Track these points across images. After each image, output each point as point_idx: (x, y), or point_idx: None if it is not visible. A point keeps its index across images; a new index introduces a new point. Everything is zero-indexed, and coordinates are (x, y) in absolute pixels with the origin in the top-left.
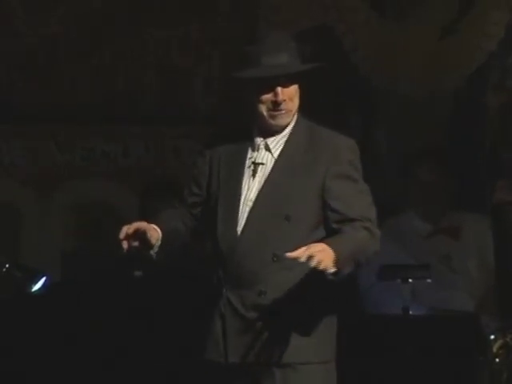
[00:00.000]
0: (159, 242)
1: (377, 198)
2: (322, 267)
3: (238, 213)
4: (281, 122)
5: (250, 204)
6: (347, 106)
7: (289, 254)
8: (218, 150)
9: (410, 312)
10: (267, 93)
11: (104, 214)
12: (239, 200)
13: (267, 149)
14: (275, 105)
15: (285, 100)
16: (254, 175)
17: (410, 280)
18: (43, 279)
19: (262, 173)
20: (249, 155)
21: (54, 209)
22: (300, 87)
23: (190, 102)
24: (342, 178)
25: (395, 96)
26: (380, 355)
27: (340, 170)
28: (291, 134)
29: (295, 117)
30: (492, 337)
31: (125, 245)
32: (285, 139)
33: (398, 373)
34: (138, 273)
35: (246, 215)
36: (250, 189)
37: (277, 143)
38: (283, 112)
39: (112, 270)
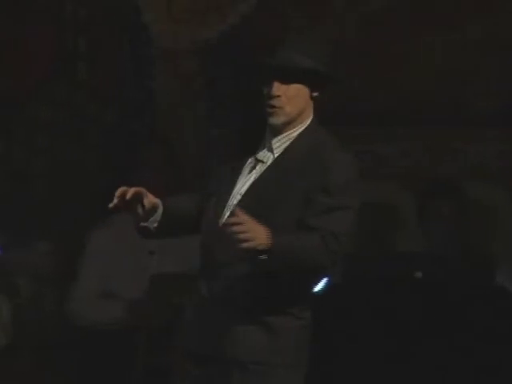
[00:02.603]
0: (158, 217)
1: None
2: (252, 244)
3: (224, 205)
4: (274, 120)
5: (239, 197)
6: None
7: (231, 220)
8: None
9: None
10: (267, 86)
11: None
12: (230, 193)
13: (270, 148)
14: (269, 99)
15: (279, 96)
16: (251, 171)
17: None
18: (324, 280)
19: (260, 170)
20: (256, 153)
21: None
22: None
23: (469, 104)
24: (323, 193)
25: None
26: None
27: (325, 186)
28: (296, 138)
29: (306, 121)
30: None
31: (115, 200)
32: (289, 142)
33: None
34: (418, 274)
35: (231, 208)
36: (244, 183)
37: (280, 144)
38: (275, 109)
39: (392, 271)
